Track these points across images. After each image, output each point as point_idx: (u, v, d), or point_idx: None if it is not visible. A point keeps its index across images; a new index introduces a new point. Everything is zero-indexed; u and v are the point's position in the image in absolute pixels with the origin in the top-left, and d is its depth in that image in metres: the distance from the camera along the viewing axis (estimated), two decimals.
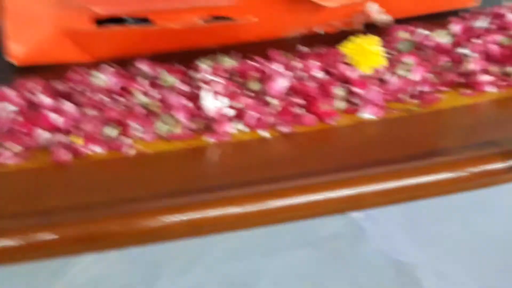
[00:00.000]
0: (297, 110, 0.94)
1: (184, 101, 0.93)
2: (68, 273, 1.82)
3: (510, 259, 1.84)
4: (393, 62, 1.02)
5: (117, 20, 1.06)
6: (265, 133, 0.92)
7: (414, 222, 1.95)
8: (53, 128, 0.89)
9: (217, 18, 1.09)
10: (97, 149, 0.88)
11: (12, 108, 0.90)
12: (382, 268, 1.84)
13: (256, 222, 0.82)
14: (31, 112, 0.91)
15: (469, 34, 1.07)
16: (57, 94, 0.94)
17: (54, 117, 0.90)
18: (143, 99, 0.94)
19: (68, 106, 0.91)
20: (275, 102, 0.94)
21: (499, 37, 1.06)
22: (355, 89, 0.96)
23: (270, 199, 0.81)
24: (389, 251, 1.88)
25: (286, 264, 1.84)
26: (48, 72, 1.02)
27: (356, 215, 1.92)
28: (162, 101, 0.93)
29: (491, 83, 1.00)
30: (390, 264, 1.84)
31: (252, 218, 0.81)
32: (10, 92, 0.93)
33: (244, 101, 0.93)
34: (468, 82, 1.01)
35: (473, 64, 1.01)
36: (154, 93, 0.94)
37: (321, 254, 1.88)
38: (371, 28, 1.15)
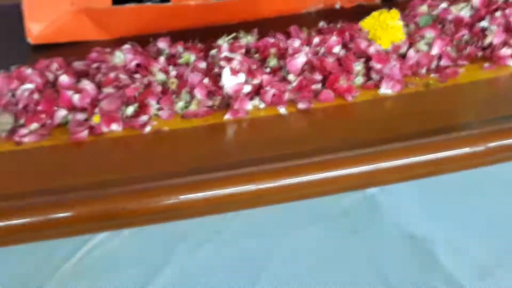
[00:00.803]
0: (316, 86, 0.94)
1: (202, 79, 0.93)
2: (85, 247, 1.84)
3: None
4: (412, 37, 1.01)
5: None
6: (283, 110, 0.91)
7: (429, 196, 1.95)
8: (71, 107, 0.89)
9: None
10: (115, 127, 0.88)
11: (30, 86, 0.91)
12: (397, 241, 1.84)
13: (273, 200, 0.82)
14: (49, 90, 0.91)
15: (489, 7, 1.06)
16: (75, 73, 0.94)
17: (72, 96, 0.90)
18: (161, 77, 0.94)
19: (86, 85, 0.91)
20: (293, 78, 0.94)
21: None
22: (374, 65, 0.96)
23: (287, 176, 0.80)
24: (404, 225, 1.88)
25: (302, 240, 1.85)
26: (66, 50, 1.02)
27: (371, 189, 1.94)
28: (181, 78, 0.94)
29: None
30: (405, 237, 1.84)
31: (269, 195, 0.81)
32: (28, 71, 0.93)
33: (261, 77, 0.93)
34: (489, 55, 1.00)
35: (494, 37, 1.01)
36: (173, 71, 0.95)
37: (337, 229, 1.88)
38: (390, 2, 1.15)
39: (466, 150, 0.83)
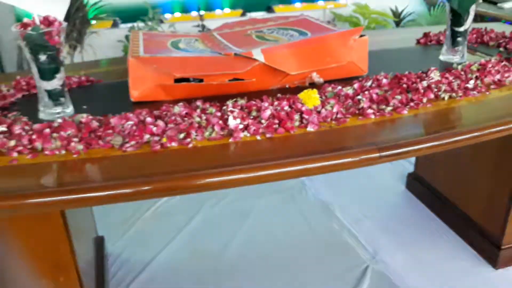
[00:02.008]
0: (275, 126, 0.93)
1: (218, 120, 0.93)
2: (157, 203, 1.84)
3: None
4: (323, 102, 1.00)
5: (185, 80, 1.05)
6: (258, 137, 0.91)
7: (332, 180, 1.96)
8: (152, 133, 0.89)
9: (236, 79, 1.08)
10: (174, 144, 0.87)
11: (131, 122, 0.91)
12: (313, 204, 1.84)
13: (253, 181, 0.82)
14: (141, 125, 0.91)
15: (362, 88, 1.06)
16: (154, 116, 0.94)
17: (152, 127, 0.90)
18: (197, 119, 0.94)
19: (160, 122, 0.91)
20: (264, 121, 0.94)
21: (376, 90, 1.05)
22: (304, 116, 0.96)
23: (260, 171, 0.81)
24: (317, 195, 1.89)
25: (267, 202, 1.85)
26: (149, 105, 1.01)
27: (302, 178, 1.96)
28: (207, 120, 0.93)
29: (373, 113, 0.99)
30: (318, 202, 1.85)
31: (251, 180, 0.81)
32: (130, 115, 0.93)
33: (248, 121, 0.93)
34: (361, 113, 1.00)
35: (364, 104, 1.01)
36: (203, 116, 0.95)
37: (283, 197, 1.88)
38: (313, 85, 1.14)
39: (349, 159, 0.84)
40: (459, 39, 1.30)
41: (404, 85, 1.08)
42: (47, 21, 0.94)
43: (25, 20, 0.94)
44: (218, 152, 0.87)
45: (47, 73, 0.94)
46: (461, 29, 1.29)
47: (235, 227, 1.70)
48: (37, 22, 0.94)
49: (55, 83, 0.96)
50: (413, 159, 1.94)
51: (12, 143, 0.86)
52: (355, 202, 1.83)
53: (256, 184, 0.84)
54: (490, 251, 1.52)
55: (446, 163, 1.71)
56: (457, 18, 1.28)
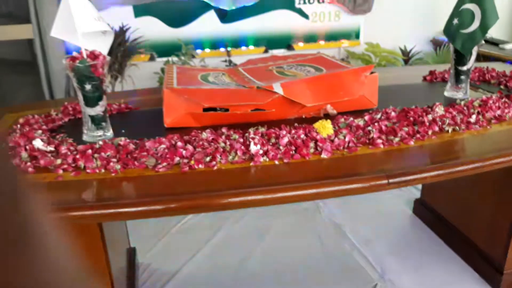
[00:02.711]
0: (292, 152, 0.94)
1: (240, 146, 0.94)
2: (183, 220, 1.84)
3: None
4: (336, 132, 1.01)
5: (212, 109, 1.07)
6: (276, 162, 0.92)
7: (345, 203, 1.93)
8: (182, 156, 0.91)
9: (257, 109, 1.09)
10: (201, 166, 0.89)
11: (163, 146, 0.93)
12: (327, 225, 1.82)
13: (271, 202, 0.82)
14: (172, 148, 0.93)
15: (372, 120, 1.06)
16: (184, 141, 0.96)
17: (182, 151, 0.92)
18: (222, 144, 0.95)
19: (189, 146, 0.93)
20: (282, 148, 0.95)
21: (385, 122, 1.05)
22: (319, 144, 0.96)
23: (278, 192, 0.81)
24: (331, 217, 1.86)
25: (283, 222, 1.83)
26: (180, 130, 1.03)
27: (317, 200, 1.94)
28: (231, 145, 0.94)
29: (382, 143, 0.99)
30: (331, 223, 1.82)
31: (270, 200, 0.82)
32: (163, 139, 0.95)
33: (267, 147, 0.94)
34: (371, 142, 1.00)
35: (374, 134, 1.01)
36: (227, 142, 0.96)
37: (299, 217, 1.86)
38: (327, 116, 1.14)
39: (361, 185, 0.84)
40: (462, 77, 1.30)
41: (411, 118, 1.08)
42: (93, 55, 0.98)
43: (74, 53, 0.98)
44: (240, 175, 0.88)
45: (91, 101, 0.97)
46: (464, 68, 1.29)
47: (253, 244, 1.69)
48: (84, 55, 0.97)
49: (98, 109, 0.99)
50: (419, 186, 1.91)
51: (59, 161, 0.89)
52: (365, 224, 1.80)
53: (274, 204, 0.84)
54: (493, 276, 1.47)
55: (450, 190, 1.68)
56: (460, 58, 1.29)
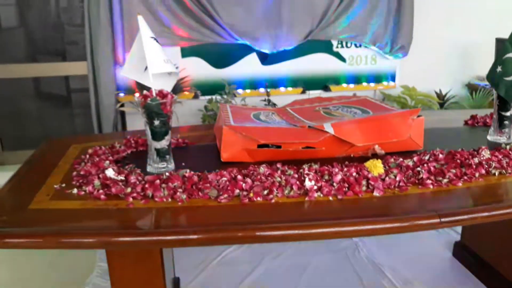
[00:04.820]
0: (345, 189, 0.97)
1: (296, 181, 0.98)
2: (225, 251, 1.86)
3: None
4: (387, 171, 1.04)
5: (266, 145, 1.11)
6: (330, 198, 0.95)
7: (384, 243, 1.92)
8: (241, 189, 0.95)
9: (308, 147, 1.13)
10: (259, 199, 0.93)
11: (225, 179, 0.98)
12: (365, 264, 1.80)
13: (326, 236, 0.85)
14: (232, 181, 0.98)
15: (421, 161, 1.09)
16: (242, 174, 1.01)
17: (242, 184, 0.97)
18: (278, 179, 0.99)
19: (248, 180, 0.98)
20: (335, 184, 0.98)
21: (434, 164, 1.08)
22: (371, 182, 0.99)
23: (333, 227, 0.84)
24: (370, 256, 1.85)
25: (322, 259, 1.82)
26: (237, 165, 1.08)
27: (355, 238, 1.95)
28: (286, 180, 0.99)
29: (431, 184, 1.01)
30: (370, 262, 1.81)
31: (325, 234, 0.85)
32: (224, 172, 1.00)
33: (321, 183, 0.98)
34: (420, 182, 1.02)
35: (423, 175, 1.03)
36: (282, 177, 1.00)
37: (338, 256, 1.86)
38: (375, 155, 1.17)
39: (413, 223, 0.86)
40: (506, 122, 1.32)
41: (458, 161, 1.10)
42: (162, 94, 1.06)
43: (145, 92, 1.06)
44: (295, 209, 0.92)
45: (158, 135, 1.05)
46: (508, 113, 1.31)
47: (293, 280, 1.69)
48: (154, 94, 1.06)
49: (163, 143, 1.06)
50: (459, 229, 1.89)
51: (129, 190, 0.95)
52: (405, 264, 1.78)
53: (329, 238, 0.87)
54: None
55: (492, 233, 1.66)
56: (504, 104, 1.31)
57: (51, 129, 2.97)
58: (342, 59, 2.85)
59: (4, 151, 2.78)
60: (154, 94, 1.05)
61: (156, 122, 1.03)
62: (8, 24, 2.80)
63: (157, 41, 1.09)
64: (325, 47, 2.81)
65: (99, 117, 2.62)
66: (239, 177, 0.98)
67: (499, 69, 1.30)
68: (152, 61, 1.05)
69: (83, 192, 0.97)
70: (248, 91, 2.74)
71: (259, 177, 0.99)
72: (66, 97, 3.02)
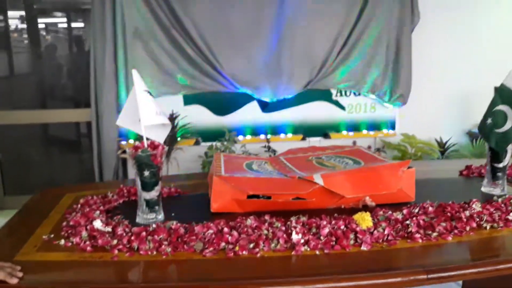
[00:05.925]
0: (332, 243, 0.96)
1: (282, 234, 0.97)
2: None
3: None
4: (375, 224, 1.03)
5: (256, 196, 1.11)
6: (317, 252, 0.94)
7: None
8: (227, 242, 0.95)
9: (298, 198, 1.13)
10: (245, 253, 0.92)
11: (211, 231, 0.97)
12: None
13: None
14: (218, 233, 0.97)
15: (410, 214, 1.08)
16: (229, 226, 1.00)
17: (228, 236, 0.96)
18: (265, 231, 0.99)
19: (234, 232, 0.97)
20: (322, 238, 0.97)
21: (423, 217, 1.06)
22: (359, 235, 0.98)
23: (318, 283, 0.83)
24: None
25: None
26: (225, 216, 1.08)
27: None
28: (273, 233, 0.98)
29: (420, 238, 0.99)
30: None
31: None
32: (210, 224, 1.00)
33: (308, 236, 0.96)
34: (410, 236, 1.00)
35: (412, 228, 1.02)
36: (270, 229, 0.99)
37: None
38: (365, 207, 1.17)
39: (400, 279, 0.84)
40: (499, 174, 1.31)
41: (448, 214, 1.09)
42: (153, 145, 1.08)
43: (137, 143, 1.08)
44: (281, 263, 0.91)
45: (148, 186, 1.05)
46: (500, 165, 1.31)
47: None
48: (145, 145, 1.07)
49: (153, 194, 1.06)
50: (460, 282, 1.84)
51: (115, 242, 0.95)
52: None
53: None
54: None
55: (493, 287, 1.61)
56: (496, 155, 1.31)
57: (54, 174, 3.00)
58: (342, 107, 2.89)
59: (5, 195, 2.79)
60: (146, 145, 1.07)
61: (146, 173, 1.04)
62: (20, 71, 2.89)
63: (150, 94, 1.12)
64: (325, 95, 2.85)
65: (100, 164, 2.65)
66: (226, 229, 0.98)
67: (489, 121, 1.31)
68: (145, 114, 1.08)
69: (70, 244, 0.97)
70: (248, 137, 2.77)
71: (246, 229, 0.99)
72: (72, 143, 3.07)
